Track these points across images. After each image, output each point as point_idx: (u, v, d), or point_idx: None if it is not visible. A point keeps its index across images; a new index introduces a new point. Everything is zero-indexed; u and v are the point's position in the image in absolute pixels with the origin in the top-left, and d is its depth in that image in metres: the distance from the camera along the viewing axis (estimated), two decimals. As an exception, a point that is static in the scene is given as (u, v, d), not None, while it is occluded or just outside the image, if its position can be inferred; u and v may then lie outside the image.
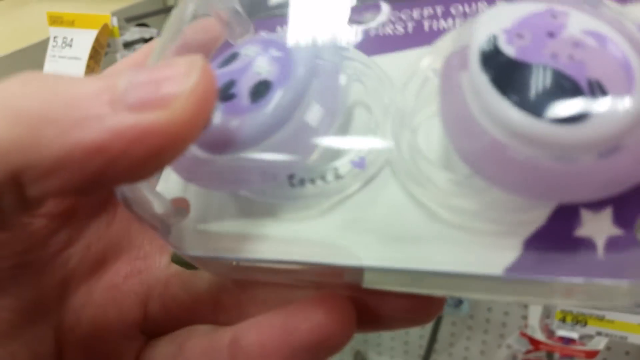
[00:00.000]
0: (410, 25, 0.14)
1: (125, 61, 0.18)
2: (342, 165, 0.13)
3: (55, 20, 0.54)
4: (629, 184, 0.10)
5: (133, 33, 0.60)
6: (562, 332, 0.67)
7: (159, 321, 0.19)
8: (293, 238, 0.13)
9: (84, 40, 0.51)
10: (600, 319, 0.49)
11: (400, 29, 0.15)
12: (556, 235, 0.11)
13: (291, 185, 0.13)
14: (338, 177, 0.13)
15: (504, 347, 0.95)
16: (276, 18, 0.16)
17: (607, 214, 0.11)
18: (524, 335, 0.91)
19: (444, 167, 0.12)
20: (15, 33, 0.68)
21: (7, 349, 0.15)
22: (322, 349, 0.14)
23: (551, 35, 0.11)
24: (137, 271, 0.19)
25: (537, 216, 0.11)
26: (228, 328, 0.17)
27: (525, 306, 0.95)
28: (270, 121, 0.12)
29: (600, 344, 0.66)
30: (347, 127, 0.14)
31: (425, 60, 0.13)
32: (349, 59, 0.14)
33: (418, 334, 1.06)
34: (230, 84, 0.13)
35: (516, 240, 0.11)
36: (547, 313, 0.68)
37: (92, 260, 0.18)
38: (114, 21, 0.52)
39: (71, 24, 0.53)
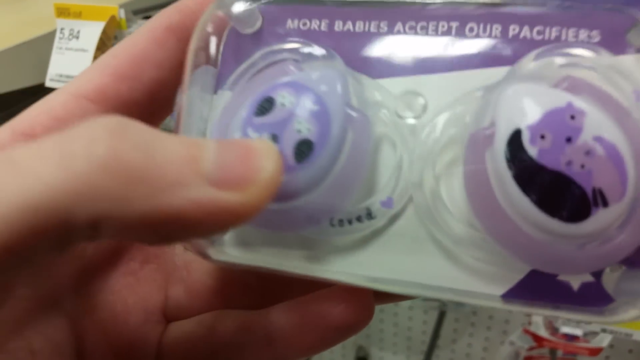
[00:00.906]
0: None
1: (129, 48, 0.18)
2: (373, 205, 0.16)
3: (62, 11, 0.54)
4: (607, 264, 0.14)
5: (140, 25, 0.60)
6: (566, 329, 0.67)
7: (183, 305, 0.20)
8: (325, 261, 0.16)
9: (91, 32, 0.51)
10: (605, 316, 0.49)
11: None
12: (544, 278, 0.14)
13: (332, 225, 0.16)
14: (370, 216, 0.16)
15: (507, 344, 0.95)
16: (284, 6, 0.17)
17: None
18: (527, 332, 0.91)
19: (461, 220, 0.15)
20: (22, 25, 0.68)
21: (24, 338, 0.15)
22: (349, 330, 0.17)
23: (569, 140, 0.13)
24: (153, 256, 0.19)
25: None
26: (262, 310, 0.18)
27: (529, 303, 0.95)
28: (313, 180, 0.15)
29: (604, 341, 0.66)
30: (375, 163, 0.16)
31: (442, 116, 0.15)
32: (378, 103, 0.16)
33: (420, 330, 1.07)
34: (274, 139, 0.15)
35: (515, 276, 0.15)
36: (551, 310, 0.68)
37: (108, 249, 0.19)
38: (122, 13, 0.52)
39: (78, 15, 0.53)
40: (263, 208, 0.13)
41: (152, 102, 0.18)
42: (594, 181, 0.13)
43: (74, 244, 0.12)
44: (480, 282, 0.15)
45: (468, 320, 1.04)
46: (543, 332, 0.69)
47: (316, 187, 0.15)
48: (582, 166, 0.13)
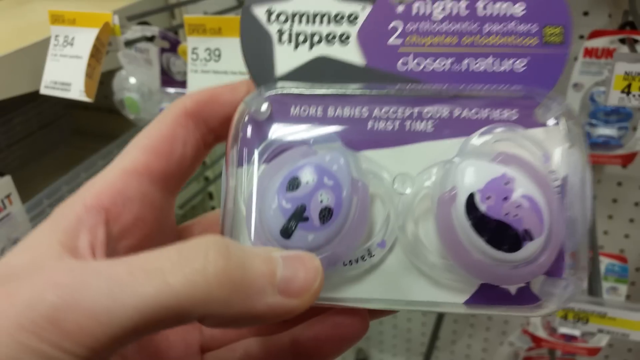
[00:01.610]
0: (396, 124, 0.22)
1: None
2: (372, 246, 0.21)
3: (57, 18, 0.54)
4: (530, 278, 0.20)
5: (135, 31, 0.60)
6: (564, 330, 0.67)
7: (217, 337, 0.24)
8: (338, 290, 0.22)
9: (85, 38, 0.51)
10: (602, 316, 0.49)
11: (389, 127, 0.22)
12: (492, 288, 0.21)
13: (344, 265, 0.21)
14: (370, 255, 0.21)
15: (506, 345, 0.95)
16: (287, 96, 0.22)
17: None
18: (526, 332, 0.91)
19: (435, 253, 0.21)
20: (16, 32, 0.68)
21: None
22: (355, 339, 0.22)
23: (505, 199, 0.19)
24: None
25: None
26: (285, 332, 0.23)
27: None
28: (333, 235, 0.20)
29: (602, 341, 0.66)
30: (371, 215, 0.21)
31: (427, 174, 0.21)
32: (368, 169, 0.21)
33: (420, 332, 1.07)
34: (303, 208, 0.20)
35: (470, 288, 0.21)
36: (548, 310, 0.68)
37: None
38: (115, 19, 0.52)
39: (72, 22, 0.53)
40: (305, 309, 0.18)
41: (181, 170, 0.22)
42: (523, 225, 0.19)
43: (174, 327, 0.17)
44: (449, 295, 0.21)
45: (467, 322, 1.04)
46: (541, 333, 0.69)
47: (334, 240, 0.20)
48: (515, 215, 0.19)
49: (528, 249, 0.19)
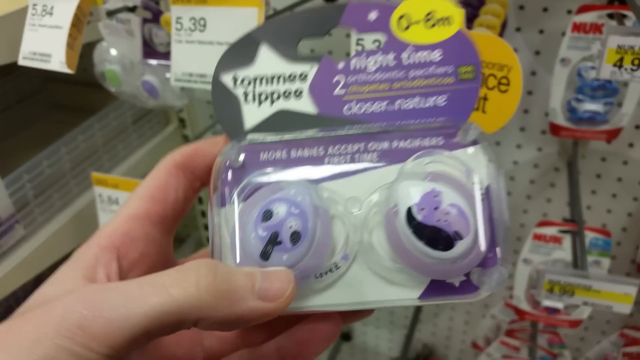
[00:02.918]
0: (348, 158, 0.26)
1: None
2: (337, 260, 0.25)
3: (34, -14, 0.52)
4: (467, 270, 0.24)
5: (116, 1, 0.58)
6: (547, 303, 0.68)
7: (215, 351, 0.28)
8: (311, 300, 0.25)
9: (66, 8, 0.50)
10: (587, 289, 0.50)
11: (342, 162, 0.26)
12: (439, 283, 0.24)
13: (315, 277, 0.25)
14: (337, 267, 0.25)
15: (488, 317, 0.97)
16: (256, 145, 0.26)
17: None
18: (508, 305, 0.92)
19: (388, 258, 0.25)
20: (-9, 1, 0.65)
21: None
22: (330, 339, 0.26)
23: (436, 208, 0.23)
24: None
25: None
26: (271, 341, 0.27)
27: (511, 277, 0.96)
28: (303, 254, 0.24)
29: (584, 313, 0.68)
30: (334, 234, 0.25)
31: (374, 196, 0.25)
32: (328, 197, 0.25)
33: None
34: (276, 234, 0.24)
35: (422, 285, 0.25)
36: (533, 284, 0.69)
37: None
38: (96, -12, 0.50)
39: (51, -9, 0.51)
40: (281, 310, 0.22)
41: (175, 213, 0.27)
42: (453, 227, 0.23)
43: (178, 330, 0.21)
44: (405, 292, 0.25)
45: (450, 295, 1.05)
46: (525, 306, 0.70)
47: (305, 258, 0.24)
48: (445, 220, 0.23)
49: (460, 246, 0.23)
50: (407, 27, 0.27)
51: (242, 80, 0.27)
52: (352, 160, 0.26)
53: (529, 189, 0.86)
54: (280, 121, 0.27)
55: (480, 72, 0.26)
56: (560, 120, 0.68)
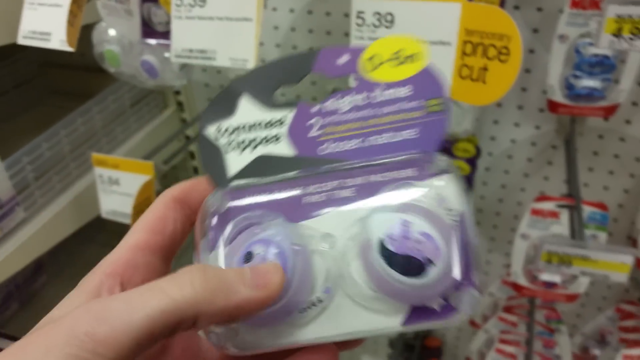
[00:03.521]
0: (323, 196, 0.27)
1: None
2: (320, 294, 0.25)
3: (32, -35, 0.51)
4: (442, 294, 0.25)
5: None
6: (545, 277, 0.68)
7: None
8: (297, 334, 0.26)
9: (64, -15, 0.50)
10: (585, 259, 0.50)
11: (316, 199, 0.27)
12: (419, 308, 0.25)
13: (299, 313, 0.25)
14: (320, 301, 0.25)
15: (485, 295, 0.98)
16: (239, 190, 0.28)
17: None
18: (505, 283, 0.93)
19: (367, 287, 0.25)
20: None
21: None
22: None
23: (406, 238, 0.24)
24: (187, 346, 0.29)
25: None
26: None
27: (507, 254, 0.97)
28: (285, 291, 0.24)
29: (581, 287, 0.68)
30: (315, 269, 0.26)
31: (350, 230, 0.26)
32: (307, 235, 0.26)
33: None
34: None
35: (404, 312, 0.25)
36: (530, 259, 0.70)
37: (157, 346, 0.28)
38: (95, -35, 0.50)
39: (49, -31, 0.51)
40: (275, 298, 0.24)
41: (173, 243, 0.29)
42: (424, 254, 0.24)
43: (180, 331, 0.22)
44: (388, 320, 0.25)
45: (448, 275, 1.06)
46: (522, 281, 0.71)
47: (287, 294, 0.24)
48: (417, 249, 0.24)
49: (432, 271, 0.24)
50: (377, 67, 0.28)
51: (225, 130, 0.29)
52: (329, 197, 0.27)
53: (527, 166, 0.87)
54: (262, 166, 0.29)
55: (449, 104, 0.28)
56: (558, 97, 0.68)
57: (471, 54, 0.43)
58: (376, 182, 0.27)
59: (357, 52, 0.29)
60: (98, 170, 0.69)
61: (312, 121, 0.29)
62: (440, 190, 0.26)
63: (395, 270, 0.24)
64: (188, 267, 0.23)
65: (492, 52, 0.42)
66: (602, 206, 0.68)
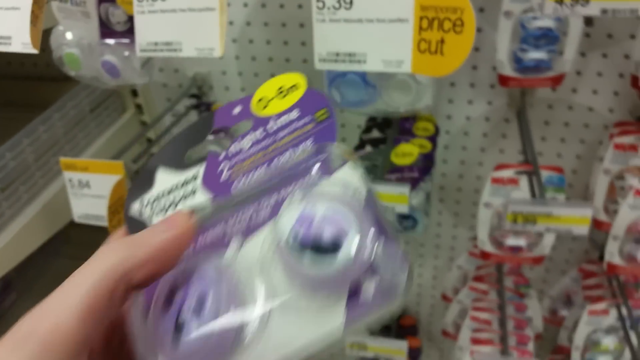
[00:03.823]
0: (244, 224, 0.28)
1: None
2: (257, 316, 0.25)
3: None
4: (362, 270, 0.24)
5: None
6: (511, 242, 0.72)
7: None
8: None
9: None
10: (548, 215, 0.53)
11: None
12: (355, 305, 0.24)
13: (243, 340, 0.25)
14: (259, 323, 0.25)
15: (454, 269, 1.01)
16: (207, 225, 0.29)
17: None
18: (473, 255, 0.97)
19: (296, 293, 0.25)
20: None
21: None
22: None
23: (311, 222, 0.25)
24: None
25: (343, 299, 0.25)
26: None
27: (472, 228, 1.01)
28: (212, 319, 0.25)
29: (545, 249, 0.72)
30: (247, 292, 0.26)
31: (265, 242, 0.27)
32: (235, 263, 0.27)
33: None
34: (182, 323, 0.25)
35: (340, 310, 0.24)
36: (495, 227, 0.73)
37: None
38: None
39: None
40: (190, 236, 0.27)
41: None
42: (332, 230, 0.24)
43: (123, 295, 0.25)
44: (327, 323, 0.24)
45: (416, 252, 1.09)
46: (489, 248, 0.74)
47: (218, 322, 0.25)
48: (323, 227, 0.25)
49: (348, 242, 0.24)
50: (266, 105, 0.32)
51: (148, 202, 0.32)
52: (250, 223, 0.28)
53: (483, 141, 0.91)
54: None
55: (333, 111, 0.30)
56: (508, 70, 0.72)
57: (428, 28, 0.45)
58: (287, 193, 0.28)
59: (247, 101, 0.32)
60: (67, 175, 0.69)
61: (221, 166, 0.31)
62: (343, 177, 0.27)
63: (313, 252, 0.24)
64: (108, 243, 0.26)
65: (447, 24, 0.44)
66: (558, 169, 0.72)
